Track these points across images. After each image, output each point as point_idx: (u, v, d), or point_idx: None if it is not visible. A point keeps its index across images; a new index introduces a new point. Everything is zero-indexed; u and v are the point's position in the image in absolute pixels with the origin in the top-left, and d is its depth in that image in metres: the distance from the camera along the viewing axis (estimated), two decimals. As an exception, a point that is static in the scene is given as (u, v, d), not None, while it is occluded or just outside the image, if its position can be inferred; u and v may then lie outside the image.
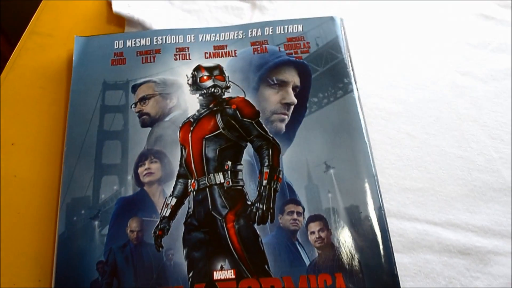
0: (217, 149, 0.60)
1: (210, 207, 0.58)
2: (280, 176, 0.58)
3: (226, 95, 0.63)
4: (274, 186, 0.58)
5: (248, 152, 0.60)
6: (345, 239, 0.55)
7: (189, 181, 0.59)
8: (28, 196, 0.59)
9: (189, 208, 0.58)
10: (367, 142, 0.60)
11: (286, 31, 0.69)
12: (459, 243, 0.57)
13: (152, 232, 0.57)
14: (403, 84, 0.68)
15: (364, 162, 0.60)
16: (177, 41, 0.68)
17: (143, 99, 0.63)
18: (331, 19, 0.69)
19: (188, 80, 0.63)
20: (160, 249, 0.56)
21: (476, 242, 0.57)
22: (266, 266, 0.54)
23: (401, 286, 0.53)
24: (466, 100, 0.67)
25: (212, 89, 0.62)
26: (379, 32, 0.72)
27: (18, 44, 0.70)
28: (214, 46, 0.68)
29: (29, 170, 0.61)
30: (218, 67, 0.65)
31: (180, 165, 0.60)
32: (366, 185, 0.58)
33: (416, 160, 0.62)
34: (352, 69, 0.65)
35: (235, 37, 0.68)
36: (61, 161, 0.60)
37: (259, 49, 0.66)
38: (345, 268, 0.54)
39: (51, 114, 0.64)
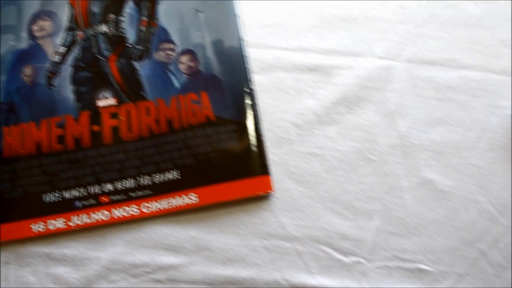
0: (102, 5, 0.70)
1: (95, 51, 0.67)
2: (156, 22, 0.67)
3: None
4: (151, 30, 0.66)
5: (129, 6, 0.69)
6: (209, 64, 0.66)
7: (77, 32, 0.69)
8: None
9: (77, 54, 0.67)
10: None
11: None
12: (308, 62, 0.66)
13: (44, 74, 0.66)
14: None
15: (229, 5, 0.69)
16: None
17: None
18: None
19: None
20: (52, 87, 0.65)
21: (323, 60, 0.66)
22: (141, 92, 0.65)
23: (258, 97, 0.65)
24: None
25: None
26: None
27: None
28: None
29: None
30: None
31: (69, 21, 0.69)
32: (230, 23, 0.68)
33: (277, 1, 0.71)
34: None
35: None
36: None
37: None
38: (209, 88, 0.64)
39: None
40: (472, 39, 0.68)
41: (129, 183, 0.61)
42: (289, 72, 0.67)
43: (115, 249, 0.59)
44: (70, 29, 0.69)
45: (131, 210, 0.60)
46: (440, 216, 0.59)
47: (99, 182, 0.59)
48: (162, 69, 0.65)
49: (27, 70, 0.67)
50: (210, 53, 0.67)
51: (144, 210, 0.60)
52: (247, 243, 0.58)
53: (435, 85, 0.66)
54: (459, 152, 0.62)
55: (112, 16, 0.69)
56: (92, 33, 0.69)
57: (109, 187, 0.61)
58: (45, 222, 0.59)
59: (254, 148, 0.62)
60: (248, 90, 0.64)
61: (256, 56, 0.67)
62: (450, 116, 0.64)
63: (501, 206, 0.59)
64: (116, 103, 0.64)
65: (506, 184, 0.60)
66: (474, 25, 0.69)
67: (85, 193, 0.58)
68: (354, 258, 0.58)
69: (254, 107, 0.64)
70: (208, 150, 0.62)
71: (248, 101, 0.63)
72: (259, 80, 0.66)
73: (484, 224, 0.59)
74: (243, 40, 0.66)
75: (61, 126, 0.60)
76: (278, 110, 0.64)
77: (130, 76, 0.66)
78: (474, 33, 0.69)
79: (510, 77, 0.65)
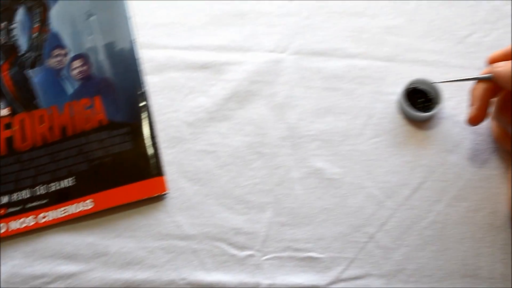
0: None
1: (-13, 62, 0.63)
2: (48, 28, 0.67)
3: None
4: (43, 37, 0.66)
5: (20, 13, 0.69)
6: (102, 68, 0.66)
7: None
8: None
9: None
10: None
11: None
12: (200, 60, 0.66)
13: None
14: None
15: (120, 7, 0.70)
16: None
17: None
18: None
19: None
20: None
21: (214, 57, 0.67)
22: (35, 100, 0.65)
23: (151, 98, 0.66)
24: None
25: None
26: None
27: None
28: None
29: None
30: None
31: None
32: (121, 25, 0.68)
33: (167, 1, 0.71)
34: None
35: None
36: None
37: None
38: (101, 92, 0.65)
39: None
40: (357, 28, 0.70)
41: (25, 194, 0.61)
42: (182, 71, 0.67)
43: (14, 262, 0.59)
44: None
45: (28, 221, 0.60)
46: (330, 203, 0.61)
47: (-6, 195, 0.58)
48: (55, 75, 0.65)
49: None
50: (102, 56, 0.67)
51: (41, 220, 0.60)
52: (144, 245, 0.60)
53: (322, 75, 0.67)
54: (346, 139, 0.64)
55: (2, 24, 0.68)
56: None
57: (5, 199, 0.61)
58: None
59: (149, 150, 0.63)
60: (141, 92, 0.65)
61: (149, 57, 0.67)
62: (337, 104, 0.66)
63: (387, 190, 0.62)
64: (10, 113, 0.64)
65: (391, 168, 0.63)
66: (359, 14, 0.71)
67: (-19, 207, 0.57)
68: (247, 252, 0.60)
69: (147, 108, 0.64)
70: (102, 154, 0.63)
71: (141, 103, 0.64)
72: (152, 81, 0.66)
73: (371, 209, 0.61)
74: (135, 41, 0.67)
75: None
76: (171, 109, 0.65)
77: (23, 84, 0.65)
78: (359, 22, 0.70)
79: (394, 63, 0.67)
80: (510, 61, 0.52)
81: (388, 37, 0.69)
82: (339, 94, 0.66)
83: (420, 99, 0.64)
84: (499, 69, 0.52)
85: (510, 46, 0.55)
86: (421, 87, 0.64)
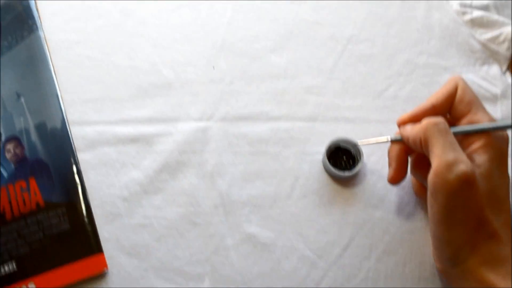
0: None
1: None
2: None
3: None
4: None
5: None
6: (34, 149, 0.67)
7: None
8: None
9: None
10: (51, 69, 0.72)
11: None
12: (130, 133, 0.67)
13: None
14: (82, 17, 0.78)
15: (49, 86, 0.71)
16: None
17: None
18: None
19: None
20: None
21: (143, 131, 0.68)
22: None
23: (84, 177, 0.66)
24: (134, 20, 0.77)
25: None
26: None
27: None
28: None
29: None
30: None
31: None
32: (51, 104, 0.70)
33: (95, 77, 0.72)
34: (37, 10, 0.76)
35: None
36: None
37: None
38: (36, 173, 0.66)
39: None
40: (279, 90, 0.72)
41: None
42: (113, 146, 0.68)
43: None
44: None
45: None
46: (265, 268, 0.62)
47: None
48: (-12, 161, 0.63)
49: None
50: (34, 137, 0.68)
51: (-17, 309, 0.57)
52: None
53: (248, 140, 0.69)
54: (276, 202, 0.66)
55: None
56: None
57: None
58: None
59: (86, 228, 0.64)
60: (74, 170, 0.66)
61: (80, 134, 0.68)
62: (265, 168, 0.68)
63: (319, 250, 0.62)
64: None
65: (321, 227, 0.64)
66: (280, 76, 0.74)
67: None
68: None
69: (82, 186, 0.66)
70: (41, 237, 0.63)
71: (75, 181, 0.65)
72: (84, 158, 0.67)
73: (305, 270, 0.61)
74: (66, 119, 0.68)
75: None
76: (105, 185, 0.66)
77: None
78: (280, 84, 0.73)
79: (316, 123, 0.70)
80: (414, 124, 0.55)
81: (309, 97, 0.72)
82: (266, 157, 0.68)
83: (343, 156, 0.66)
84: (406, 133, 0.53)
85: (415, 109, 0.59)
86: (343, 145, 0.66)
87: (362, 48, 0.68)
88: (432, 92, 0.59)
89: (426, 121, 0.47)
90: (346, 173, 0.59)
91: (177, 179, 0.68)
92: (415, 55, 0.71)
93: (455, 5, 0.69)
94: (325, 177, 0.63)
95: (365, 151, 0.60)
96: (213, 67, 0.71)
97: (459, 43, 0.68)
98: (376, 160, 0.62)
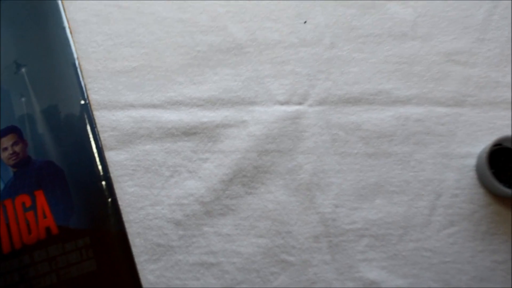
0: None
1: None
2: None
3: None
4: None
5: None
6: (44, 148, 0.46)
7: None
8: None
9: None
10: (66, 27, 0.50)
11: None
12: (182, 122, 0.48)
13: None
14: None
15: (62, 51, 0.50)
16: None
17: None
18: None
19: None
20: None
21: (203, 118, 0.49)
22: None
23: (116, 189, 0.45)
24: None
25: None
26: None
27: None
28: None
29: None
30: None
31: None
32: (66, 78, 0.49)
33: (128, 35, 0.52)
34: None
35: None
36: None
37: None
38: (45, 183, 0.45)
39: None
40: (404, 57, 0.54)
41: None
42: (158, 141, 0.50)
43: None
44: None
45: None
46: None
47: None
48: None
49: None
50: (41, 128, 0.47)
51: None
52: None
53: (362, 134, 0.52)
54: (407, 233, 0.49)
55: None
56: None
57: None
58: None
59: (122, 267, 0.44)
60: (103, 180, 0.45)
61: (109, 122, 0.49)
62: (389, 179, 0.51)
63: None
64: None
65: (479, 273, 0.47)
66: (406, 36, 0.55)
67: None
68: None
69: (113, 203, 0.45)
70: (53, 281, 0.43)
71: (104, 196, 0.45)
72: (115, 159, 0.48)
73: None
74: (87, 101, 0.48)
75: None
76: (149, 202, 0.47)
77: None
78: (407, 48, 0.54)
79: (463, 109, 0.52)
80: None
81: (452, 67, 0.50)
82: (390, 162, 0.47)
83: (510, 163, 0.45)
84: None
85: None
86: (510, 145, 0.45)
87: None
88: None
89: None
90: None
91: (256, 194, 0.47)
92: None
93: None
94: (482, 193, 0.46)
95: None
96: (305, 21, 0.51)
97: None
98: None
